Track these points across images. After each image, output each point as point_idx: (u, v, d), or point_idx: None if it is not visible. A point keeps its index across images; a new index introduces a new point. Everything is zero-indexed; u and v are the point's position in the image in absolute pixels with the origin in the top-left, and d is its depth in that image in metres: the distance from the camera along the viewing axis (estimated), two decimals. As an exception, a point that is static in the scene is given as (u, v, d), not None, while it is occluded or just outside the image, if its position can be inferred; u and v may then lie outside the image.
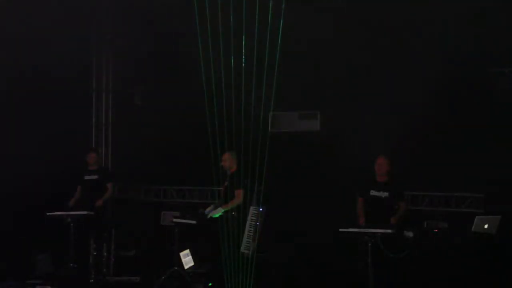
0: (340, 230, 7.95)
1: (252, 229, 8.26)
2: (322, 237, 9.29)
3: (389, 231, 7.83)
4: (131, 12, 10.03)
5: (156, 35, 10.46)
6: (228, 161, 8.55)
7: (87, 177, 10.11)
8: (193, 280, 9.17)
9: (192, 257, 9.36)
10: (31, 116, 10.11)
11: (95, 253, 9.87)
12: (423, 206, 9.88)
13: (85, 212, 9.48)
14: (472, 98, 9.19)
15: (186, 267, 9.26)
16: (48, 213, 9.35)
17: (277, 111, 9.79)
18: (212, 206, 8.93)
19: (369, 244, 7.80)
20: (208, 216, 8.64)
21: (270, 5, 6.67)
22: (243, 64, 6.94)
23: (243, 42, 6.88)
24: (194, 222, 9.09)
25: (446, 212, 9.69)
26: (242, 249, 8.00)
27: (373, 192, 8.52)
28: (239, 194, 8.44)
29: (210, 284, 8.90)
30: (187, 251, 9.32)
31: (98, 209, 9.71)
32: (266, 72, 6.87)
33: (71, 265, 9.36)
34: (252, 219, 8.31)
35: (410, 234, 8.10)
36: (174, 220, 9.44)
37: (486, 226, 8.23)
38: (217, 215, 8.44)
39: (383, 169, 8.54)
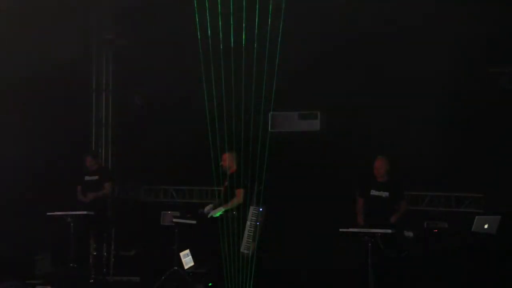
0: (340, 230, 7.95)
1: (252, 229, 8.25)
2: (322, 237, 9.28)
3: (389, 231, 7.83)
4: (131, 12, 10.02)
5: (156, 35, 10.46)
6: (228, 161, 8.54)
7: (87, 178, 10.10)
8: (193, 280, 9.17)
9: (192, 257, 9.35)
10: (31, 115, 10.10)
11: (95, 253, 9.88)
12: (423, 206, 9.87)
13: (85, 212, 9.49)
14: (472, 98, 9.18)
15: (186, 267, 9.26)
16: (48, 213, 9.36)
17: (277, 111, 9.78)
18: (211, 205, 8.92)
19: (369, 244, 7.80)
20: (209, 216, 8.63)
21: (270, 5, 6.68)
22: (243, 64, 6.94)
23: (243, 42, 6.89)
24: (194, 222, 9.09)
25: (446, 212, 9.68)
26: (242, 249, 8.00)
27: (373, 192, 8.51)
28: (239, 194, 8.43)
29: (210, 284, 8.90)
30: (187, 251, 9.32)
31: (91, 204, 9.69)
32: (266, 72, 6.87)
33: (71, 265, 9.36)
34: (252, 219, 8.30)
35: (410, 234, 8.10)
36: (174, 220, 9.45)
37: (486, 226, 8.22)
38: (217, 215, 8.44)
39: (381, 171, 8.53)
